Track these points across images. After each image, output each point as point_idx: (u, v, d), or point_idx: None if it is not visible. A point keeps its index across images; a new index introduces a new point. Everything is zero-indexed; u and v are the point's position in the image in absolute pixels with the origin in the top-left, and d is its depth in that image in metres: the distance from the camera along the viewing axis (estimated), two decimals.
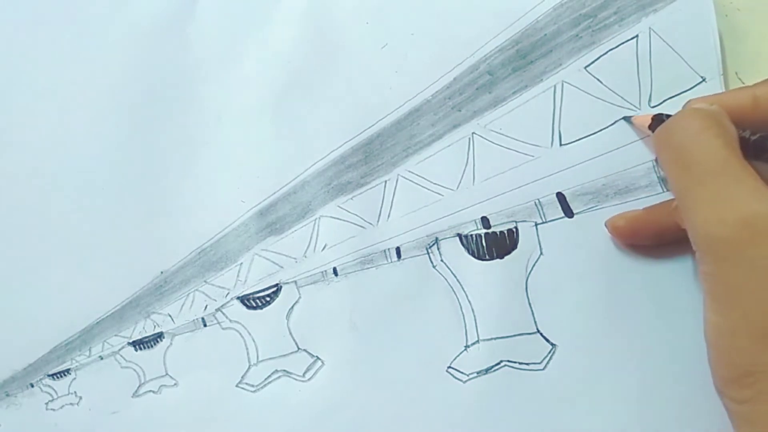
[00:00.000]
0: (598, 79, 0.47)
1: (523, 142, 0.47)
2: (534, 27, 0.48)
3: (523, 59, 0.48)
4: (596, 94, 0.47)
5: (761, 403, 0.34)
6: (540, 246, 0.47)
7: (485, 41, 0.48)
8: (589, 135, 0.46)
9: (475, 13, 0.48)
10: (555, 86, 0.48)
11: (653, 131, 0.45)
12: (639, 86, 0.46)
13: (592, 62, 0.47)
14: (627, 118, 0.47)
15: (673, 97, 0.46)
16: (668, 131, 0.39)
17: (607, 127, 0.46)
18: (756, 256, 0.34)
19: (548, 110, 0.47)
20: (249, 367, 0.49)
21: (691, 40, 0.46)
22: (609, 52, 0.47)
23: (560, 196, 0.46)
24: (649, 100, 0.46)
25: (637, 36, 0.47)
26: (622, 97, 0.46)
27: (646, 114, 0.46)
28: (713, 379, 0.36)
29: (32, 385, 0.51)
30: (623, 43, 0.47)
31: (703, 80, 0.45)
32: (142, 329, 0.50)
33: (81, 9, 0.50)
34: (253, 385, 0.49)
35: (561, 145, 0.47)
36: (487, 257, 0.47)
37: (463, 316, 0.47)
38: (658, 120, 0.44)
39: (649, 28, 0.46)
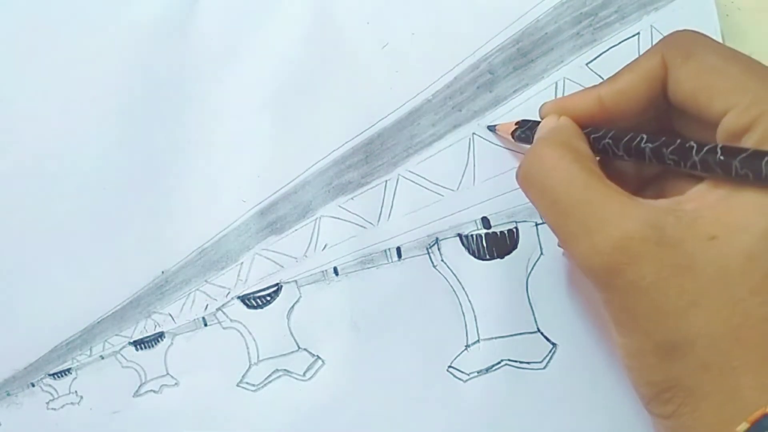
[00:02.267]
0: (600, 76, 0.47)
1: None
2: (534, 26, 0.47)
3: (524, 57, 0.48)
4: None
5: (684, 416, 0.34)
6: (540, 246, 0.47)
7: (486, 40, 0.48)
8: None
9: (476, 12, 0.48)
10: (557, 83, 0.48)
11: (516, 138, 0.45)
12: None
13: (594, 59, 0.47)
14: (491, 127, 0.48)
15: None
16: (526, 171, 0.39)
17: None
18: (637, 277, 0.33)
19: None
20: (249, 367, 0.49)
21: None
22: (611, 50, 0.47)
23: None
24: None
25: (638, 33, 0.47)
26: None
27: (509, 122, 0.46)
28: (639, 399, 0.37)
29: (33, 385, 0.51)
30: (625, 40, 0.47)
31: None
32: (143, 329, 0.50)
33: (81, 8, 0.50)
34: (253, 385, 0.49)
35: None
36: (488, 257, 0.47)
37: (464, 315, 0.47)
38: (522, 126, 0.45)
39: (651, 25, 0.46)
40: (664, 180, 0.41)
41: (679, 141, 0.35)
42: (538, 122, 0.43)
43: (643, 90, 0.39)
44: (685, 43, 0.38)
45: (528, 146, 0.43)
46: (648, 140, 0.37)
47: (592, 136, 0.40)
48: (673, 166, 0.36)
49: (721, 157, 0.33)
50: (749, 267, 0.32)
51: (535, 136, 0.42)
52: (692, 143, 0.35)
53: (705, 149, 0.34)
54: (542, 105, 0.43)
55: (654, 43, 0.40)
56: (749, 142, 0.33)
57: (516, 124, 0.45)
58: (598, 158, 0.39)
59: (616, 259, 0.34)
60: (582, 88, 0.46)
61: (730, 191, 0.34)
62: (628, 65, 0.40)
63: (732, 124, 0.34)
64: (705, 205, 0.34)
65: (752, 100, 0.34)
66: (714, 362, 0.33)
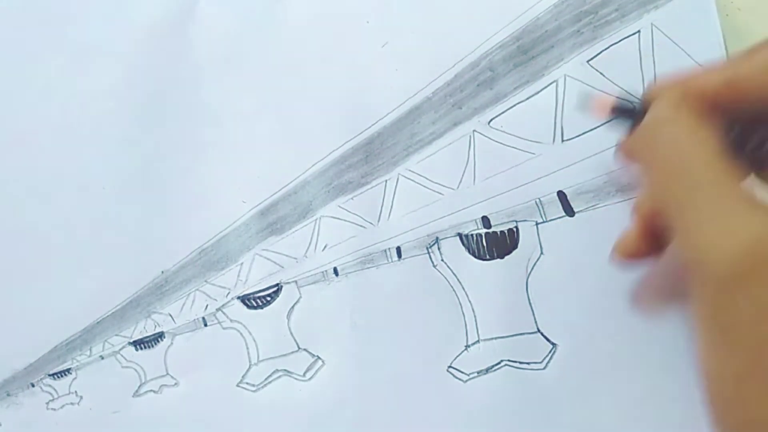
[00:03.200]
0: (601, 73, 0.47)
1: (524, 139, 0.47)
2: (535, 24, 0.47)
3: (524, 55, 0.48)
4: (599, 87, 0.46)
5: None
6: (540, 245, 0.47)
7: (486, 38, 0.48)
8: (592, 129, 0.46)
9: (476, 11, 0.48)
10: (557, 80, 0.47)
11: (615, 115, 0.39)
12: (642, 79, 0.46)
13: (595, 56, 0.47)
14: (584, 97, 0.41)
15: None
16: (651, 136, 0.34)
17: (610, 120, 0.46)
18: (763, 291, 0.28)
19: (550, 105, 0.47)
20: (249, 367, 0.49)
21: (694, 35, 0.46)
22: (611, 47, 0.47)
23: (561, 195, 0.46)
24: None
25: (639, 31, 0.47)
26: (625, 90, 0.46)
27: (606, 97, 0.39)
28: (714, 425, 0.31)
29: (33, 385, 0.51)
30: (625, 38, 0.47)
31: None
32: (143, 329, 0.50)
33: (82, 9, 0.50)
34: (253, 385, 0.49)
35: (563, 141, 0.46)
36: (488, 257, 0.47)
37: (464, 315, 0.47)
38: (621, 106, 0.39)
39: (651, 23, 0.46)
40: None
41: None
42: (636, 106, 0.37)
43: None
44: None
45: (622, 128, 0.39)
46: None
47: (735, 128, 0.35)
48: None
49: None
50: None
51: (655, 104, 0.35)
52: None
53: None
54: (656, 82, 0.37)
55: None
56: None
57: (615, 100, 0.39)
58: None
59: (742, 264, 0.29)
60: (584, 85, 0.46)
61: None
62: (764, 41, 0.35)
63: None
64: None
65: None
66: None
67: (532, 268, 0.47)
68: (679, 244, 0.32)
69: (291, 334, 0.49)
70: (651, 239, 0.37)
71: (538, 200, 0.46)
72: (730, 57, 0.36)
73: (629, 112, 0.38)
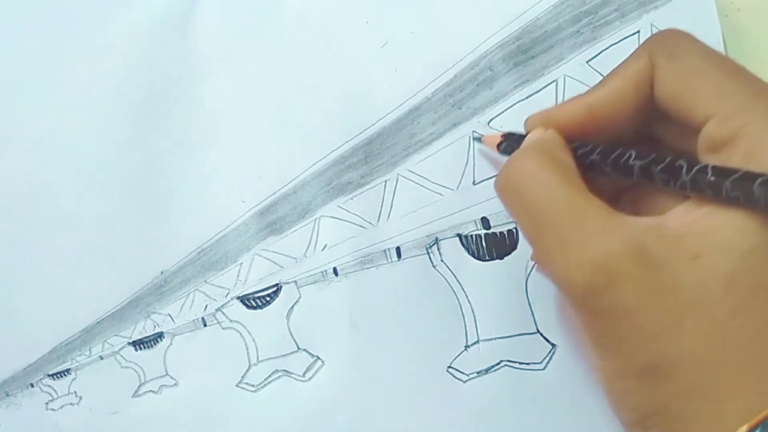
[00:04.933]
0: (600, 74, 0.47)
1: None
2: (534, 24, 0.47)
3: (524, 54, 0.48)
4: None
5: None
6: None
7: (485, 38, 0.48)
8: None
9: (475, 10, 0.48)
10: (557, 80, 0.48)
11: (501, 151, 0.44)
12: None
13: (594, 57, 0.47)
14: (477, 137, 0.47)
15: None
16: (505, 180, 0.37)
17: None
18: (618, 298, 0.32)
19: (550, 105, 0.47)
20: (249, 367, 0.49)
21: (694, 35, 0.46)
22: (611, 47, 0.47)
23: None
24: None
25: (638, 32, 0.47)
26: None
27: (495, 133, 0.45)
28: (620, 424, 0.36)
29: (32, 385, 0.51)
30: (625, 38, 0.47)
31: None
32: (142, 329, 0.50)
33: (81, 8, 0.50)
34: (253, 385, 0.49)
35: None
36: (487, 258, 0.47)
37: (463, 316, 0.47)
38: (509, 138, 0.44)
39: (651, 24, 0.46)
40: (642, 192, 0.40)
41: (669, 159, 0.34)
42: (524, 135, 0.41)
43: (632, 93, 0.38)
44: (671, 42, 0.37)
45: None
46: (637, 157, 0.36)
47: (579, 151, 0.38)
48: (661, 185, 0.35)
49: (712, 178, 0.32)
50: (731, 288, 0.31)
51: (525, 124, 0.41)
52: (682, 162, 0.34)
53: (696, 169, 0.33)
54: (528, 118, 0.41)
55: (641, 44, 0.39)
56: (734, 158, 0.32)
57: (502, 136, 0.44)
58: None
59: (597, 279, 0.32)
60: (583, 85, 0.46)
61: (714, 210, 0.32)
62: (615, 69, 0.39)
63: (713, 133, 0.33)
64: (689, 223, 0.33)
65: (735, 109, 0.33)
66: (698, 386, 0.32)
67: (532, 269, 0.47)
68: (545, 268, 0.35)
69: (290, 334, 0.49)
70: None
71: None
72: (593, 88, 0.39)
73: (513, 151, 0.42)
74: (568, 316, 0.39)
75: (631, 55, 0.38)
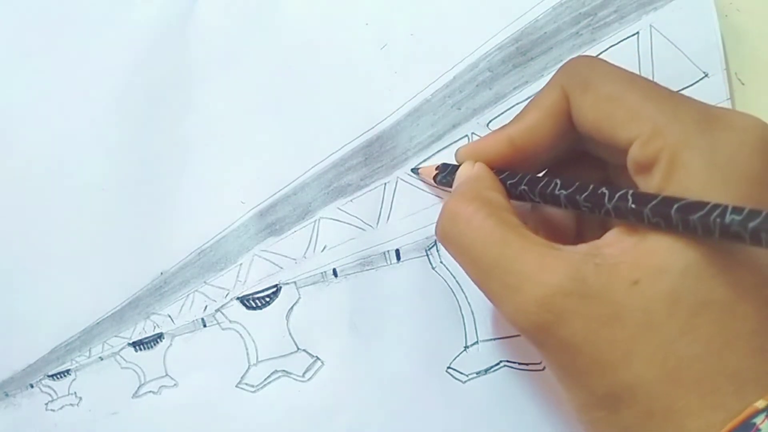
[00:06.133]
0: None
1: None
2: (534, 25, 0.47)
3: (523, 56, 0.48)
4: None
5: None
6: None
7: (485, 40, 0.48)
8: None
9: (475, 13, 0.48)
10: None
11: (438, 182, 0.46)
12: None
13: None
14: (414, 170, 0.48)
15: None
16: (443, 229, 0.38)
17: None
18: (567, 334, 0.33)
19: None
20: (249, 368, 0.49)
21: (693, 37, 0.46)
22: (610, 49, 0.47)
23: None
24: None
25: (638, 33, 0.47)
26: None
27: (430, 165, 0.47)
28: None
29: (32, 386, 0.51)
30: (624, 39, 0.47)
31: (706, 75, 0.45)
32: (142, 330, 0.50)
33: (80, 9, 0.50)
34: (252, 386, 0.49)
35: None
36: None
37: (463, 317, 0.47)
38: (443, 170, 0.45)
39: (650, 25, 0.46)
40: (585, 219, 0.41)
41: (591, 187, 0.35)
42: (458, 166, 0.43)
43: (550, 125, 0.38)
44: (581, 72, 0.37)
45: (450, 191, 0.43)
46: (562, 186, 0.36)
47: (508, 182, 0.39)
48: (588, 213, 0.35)
49: (633, 205, 0.32)
50: (674, 308, 0.31)
51: (453, 187, 0.42)
52: (604, 190, 0.34)
53: (617, 196, 0.33)
54: (457, 150, 0.43)
55: (553, 74, 0.39)
56: (655, 178, 0.33)
57: (436, 168, 0.45)
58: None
59: (543, 318, 0.33)
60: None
61: (647, 233, 0.33)
62: (531, 101, 0.40)
63: (638, 156, 0.34)
64: (623, 249, 0.33)
65: (653, 130, 0.33)
66: (657, 408, 0.32)
67: None
68: (498, 310, 0.36)
69: (290, 334, 0.49)
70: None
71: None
72: (512, 120, 0.41)
73: (449, 183, 0.44)
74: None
75: (545, 87, 0.39)
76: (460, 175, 0.42)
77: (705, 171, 0.32)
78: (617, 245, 0.33)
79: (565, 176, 0.38)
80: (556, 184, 0.37)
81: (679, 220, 0.31)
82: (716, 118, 0.34)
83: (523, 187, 0.38)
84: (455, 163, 0.44)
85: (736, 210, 0.29)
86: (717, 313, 0.31)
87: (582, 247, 0.34)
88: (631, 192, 0.33)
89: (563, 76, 0.38)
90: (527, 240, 0.35)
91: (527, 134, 0.39)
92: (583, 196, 0.35)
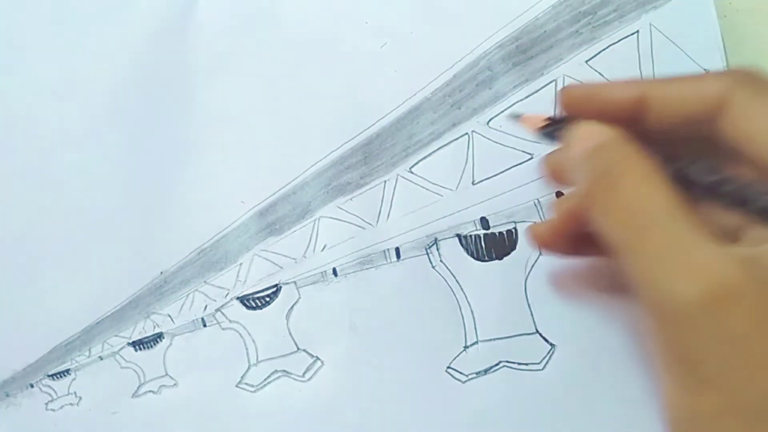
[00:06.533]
0: (600, 73, 0.47)
1: (523, 139, 0.47)
2: (533, 24, 0.47)
3: (523, 54, 0.48)
4: None
5: None
6: None
7: (484, 38, 0.48)
8: None
9: (474, 11, 0.48)
10: (556, 80, 0.47)
11: (542, 134, 0.40)
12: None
13: (593, 56, 0.47)
14: (516, 115, 0.42)
15: None
16: (604, 194, 0.33)
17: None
18: (732, 324, 0.28)
19: (549, 104, 0.47)
20: (249, 368, 0.49)
21: (693, 35, 0.46)
22: (610, 47, 0.47)
23: (560, 196, 0.46)
24: None
25: (637, 32, 0.47)
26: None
27: (538, 115, 0.40)
28: None
29: (32, 386, 0.51)
30: (624, 38, 0.47)
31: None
32: (142, 329, 0.50)
33: (80, 9, 0.50)
34: (252, 385, 0.49)
35: None
36: (487, 258, 0.47)
37: (462, 316, 0.47)
38: (553, 123, 0.39)
39: (650, 24, 0.46)
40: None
41: None
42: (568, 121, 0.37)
43: (696, 107, 0.34)
44: (758, 79, 0.34)
45: (553, 145, 0.39)
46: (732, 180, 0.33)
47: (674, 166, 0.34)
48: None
49: None
50: None
51: (576, 145, 0.35)
52: None
53: None
54: (565, 88, 0.38)
55: (730, 68, 0.37)
56: None
57: (546, 119, 0.39)
58: None
59: (710, 297, 0.28)
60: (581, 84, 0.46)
61: None
62: (689, 75, 0.36)
63: None
64: None
65: None
66: None
67: (531, 269, 0.47)
68: (641, 277, 0.31)
69: (290, 334, 0.49)
70: (567, 238, 0.38)
71: (537, 201, 0.46)
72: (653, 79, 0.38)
73: (556, 131, 0.38)
74: (648, 346, 0.37)
75: (711, 73, 0.37)
76: (587, 133, 0.35)
77: None
78: None
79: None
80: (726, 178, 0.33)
81: None
82: None
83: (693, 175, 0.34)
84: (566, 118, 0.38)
85: None
86: None
87: (761, 248, 0.31)
88: None
89: (737, 73, 0.35)
90: (699, 224, 0.30)
91: (668, 101, 0.35)
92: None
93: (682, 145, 0.36)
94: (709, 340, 0.29)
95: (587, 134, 0.35)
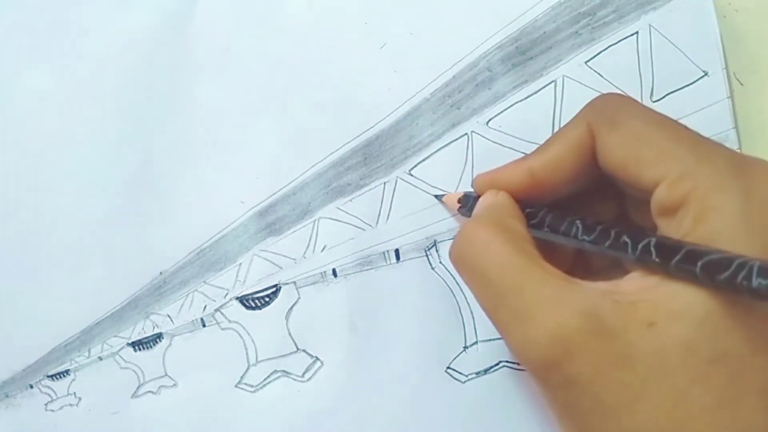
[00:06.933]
0: (599, 74, 0.47)
1: (522, 139, 0.47)
2: (533, 25, 0.47)
3: (522, 55, 0.48)
4: (598, 88, 0.47)
5: None
6: None
7: (484, 39, 0.48)
8: None
9: (474, 12, 0.48)
10: (555, 81, 0.47)
11: (461, 213, 0.45)
12: (640, 81, 0.46)
13: (593, 57, 0.47)
14: (438, 197, 0.48)
15: (675, 91, 0.46)
16: (458, 251, 0.37)
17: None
18: (574, 372, 0.31)
19: (548, 106, 0.47)
20: (248, 368, 0.49)
21: (692, 36, 0.46)
22: (609, 48, 0.47)
23: None
24: (651, 94, 0.46)
25: (637, 33, 0.47)
26: (623, 91, 0.46)
27: (455, 193, 0.46)
28: None
29: (31, 386, 0.51)
30: (623, 39, 0.47)
31: (705, 74, 0.45)
32: (142, 330, 0.50)
33: (80, 9, 0.50)
34: (252, 386, 0.49)
35: None
36: None
37: (462, 317, 0.47)
38: (465, 203, 0.44)
39: (649, 25, 0.46)
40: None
41: (614, 234, 0.34)
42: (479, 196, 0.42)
43: (572, 160, 0.38)
44: (610, 109, 0.37)
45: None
46: (584, 231, 0.36)
47: (530, 221, 0.39)
48: (611, 258, 0.35)
49: (657, 259, 0.32)
50: (689, 356, 0.30)
51: (473, 213, 0.41)
52: (626, 239, 0.33)
53: (640, 248, 0.33)
54: (475, 178, 0.43)
55: (580, 110, 0.39)
56: (684, 223, 0.32)
57: (459, 201, 0.45)
58: None
59: (552, 352, 0.31)
60: (582, 85, 0.46)
61: (667, 278, 0.32)
62: (555, 135, 0.39)
63: (664, 198, 0.33)
64: (643, 289, 0.32)
65: (682, 172, 0.32)
66: None
67: None
68: (505, 339, 0.35)
69: (290, 334, 0.49)
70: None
71: None
72: (534, 152, 0.40)
73: (471, 207, 0.43)
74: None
75: (569, 123, 0.38)
76: (481, 202, 0.41)
77: (736, 215, 0.31)
78: (637, 284, 0.33)
79: (584, 211, 0.38)
80: (578, 228, 0.36)
81: (703, 276, 0.30)
82: (748, 165, 0.33)
83: (545, 229, 0.38)
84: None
85: (763, 272, 0.28)
86: (732, 365, 0.30)
87: (601, 284, 0.34)
88: (653, 242, 0.32)
89: (590, 112, 0.38)
90: (545, 271, 0.34)
91: (549, 168, 0.38)
92: (606, 244, 0.34)
93: (596, 192, 0.40)
94: (559, 388, 0.33)
95: (482, 200, 0.42)
